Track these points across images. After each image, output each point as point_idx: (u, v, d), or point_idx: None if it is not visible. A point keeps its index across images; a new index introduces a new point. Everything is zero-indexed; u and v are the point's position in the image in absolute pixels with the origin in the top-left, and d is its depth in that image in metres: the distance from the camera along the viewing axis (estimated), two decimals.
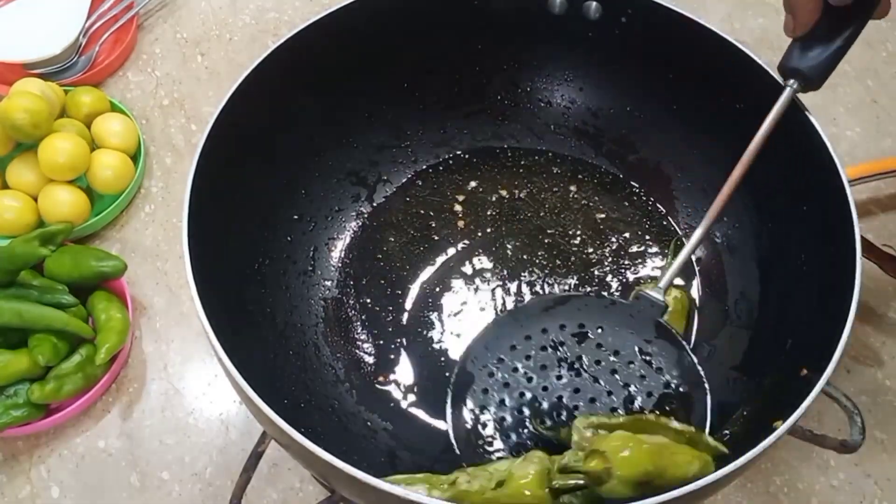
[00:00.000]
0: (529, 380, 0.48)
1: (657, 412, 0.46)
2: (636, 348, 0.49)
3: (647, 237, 0.60)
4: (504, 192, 0.62)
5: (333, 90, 0.58)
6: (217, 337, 0.39)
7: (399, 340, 0.55)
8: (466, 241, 0.60)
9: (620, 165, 0.63)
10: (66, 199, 0.64)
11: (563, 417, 0.47)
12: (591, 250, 0.59)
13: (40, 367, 0.55)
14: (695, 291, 0.57)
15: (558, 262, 0.59)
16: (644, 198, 0.62)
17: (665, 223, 0.61)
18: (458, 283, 0.58)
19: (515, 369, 0.49)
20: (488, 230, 0.60)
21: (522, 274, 0.58)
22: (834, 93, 0.76)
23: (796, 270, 0.49)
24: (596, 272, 0.58)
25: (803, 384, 0.39)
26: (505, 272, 0.58)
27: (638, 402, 0.47)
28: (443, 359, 0.54)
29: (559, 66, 0.63)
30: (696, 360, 0.48)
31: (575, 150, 0.64)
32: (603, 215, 0.61)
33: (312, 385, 0.51)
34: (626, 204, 0.62)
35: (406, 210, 0.61)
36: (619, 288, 0.57)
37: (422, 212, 0.61)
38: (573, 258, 0.59)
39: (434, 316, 0.56)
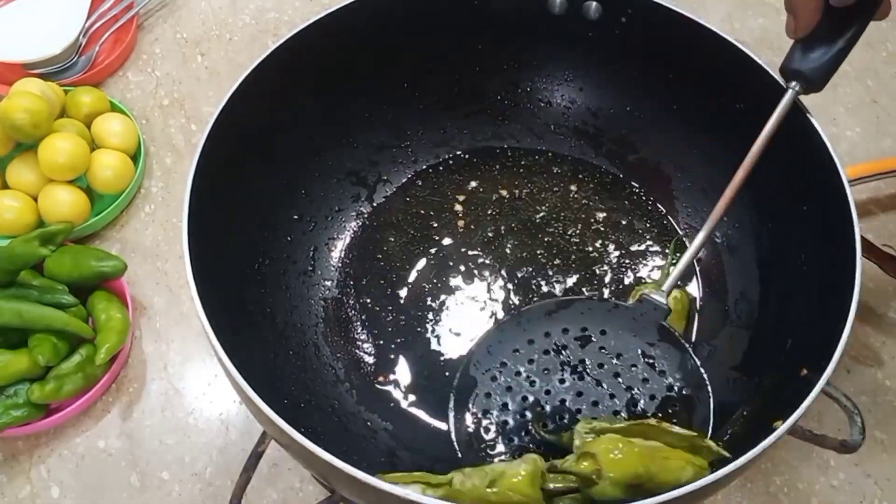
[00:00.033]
0: (532, 383, 0.48)
1: (660, 416, 0.46)
2: (639, 351, 0.49)
3: (648, 237, 0.60)
4: (504, 192, 0.62)
5: (333, 90, 0.58)
6: (217, 337, 0.39)
7: (399, 340, 0.55)
8: (466, 241, 0.60)
9: (620, 165, 0.63)
10: (66, 199, 0.64)
11: (566, 421, 0.47)
12: (591, 249, 0.59)
13: (40, 367, 0.55)
14: (695, 291, 0.57)
15: (559, 260, 0.59)
16: (644, 198, 0.62)
17: (665, 223, 0.61)
18: (458, 283, 0.58)
19: (518, 373, 0.49)
20: (488, 230, 0.60)
21: (522, 273, 0.58)
22: (834, 93, 0.76)
23: (796, 270, 0.49)
24: (596, 271, 0.58)
25: (803, 384, 0.39)
26: (505, 271, 0.58)
27: (641, 406, 0.47)
28: (443, 358, 0.54)
29: (559, 66, 0.63)
30: (698, 362, 0.48)
31: (575, 150, 0.64)
32: (603, 214, 0.61)
33: (312, 385, 0.51)
34: (627, 204, 0.62)
35: (406, 210, 0.61)
36: (620, 287, 0.57)
37: (422, 212, 0.61)
38: (573, 257, 0.59)
39: (434, 316, 0.56)
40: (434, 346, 0.55)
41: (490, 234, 0.60)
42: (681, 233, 0.60)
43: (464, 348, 0.54)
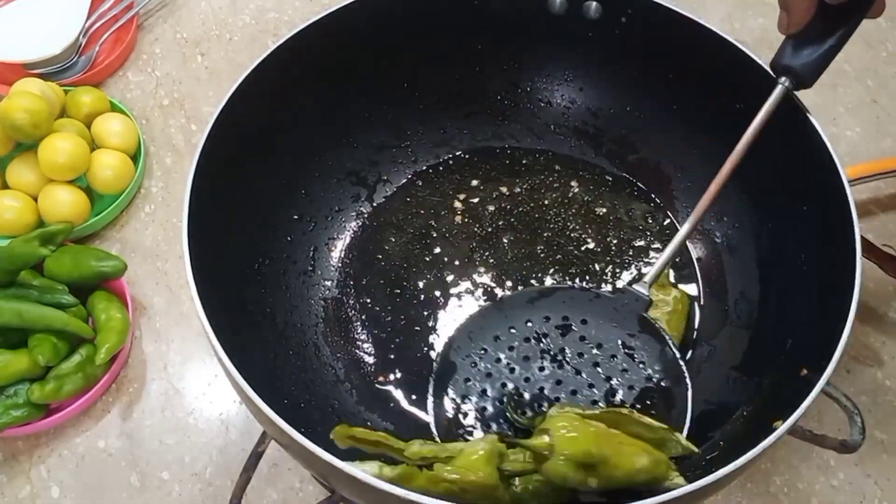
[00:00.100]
0: (512, 370, 0.48)
1: (637, 406, 0.47)
2: (619, 342, 0.49)
3: (648, 235, 0.60)
4: (504, 189, 0.63)
5: (333, 90, 0.58)
6: (217, 337, 0.39)
7: (399, 340, 0.55)
8: (466, 240, 0.60)
9: (620, 165, 0.63)
10: (66, 199, 0.64)
11: (545, 409, 0.47)
12: (591, 247, 0.59)
13: (40, 367, 0.55)
14: (695, 291, 0.57)
15: (559, 256, 0.59)
16: (644, 198, 0.62)
17: (665, 223, 0.61)
18: (458, 282, 0.58)
19: (498, 360, 0.49)
20: (488, 228, 0.60)
21: (523, 270, 0.58)
22: (834, 93, 0.76)
23: (796, 270, 0.49)
24: (596, 270, 0.58)
25: (803, 384, 0.39)
26: (505, 269, 0.58)
27: (619, 396, 0.47)
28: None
29: (559, 66, 0.63)
30: (678, 354, 0.48)
31: (575, 150, 0.64)
32: (603, 212, 0.61)
33: (312, 385, 0.51)
34: (627, 203, 0.62)
35: (406, 210, 0.61)
36: (620, 286, 0.57)
37: (422, 212, 0.61)
38: (573, 255, 0.59)
39: (434, 315, 0.56)
40: (434, 345, 0.55)
41: (490, 232, 0.60)
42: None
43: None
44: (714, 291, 0.56)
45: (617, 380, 0.48)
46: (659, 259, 0.50)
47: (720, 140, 0.49)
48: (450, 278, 0.58)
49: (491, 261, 0.59)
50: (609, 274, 0.58)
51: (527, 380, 0.48)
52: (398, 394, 0.53)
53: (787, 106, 0.47)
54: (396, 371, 0.54)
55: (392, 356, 0.54)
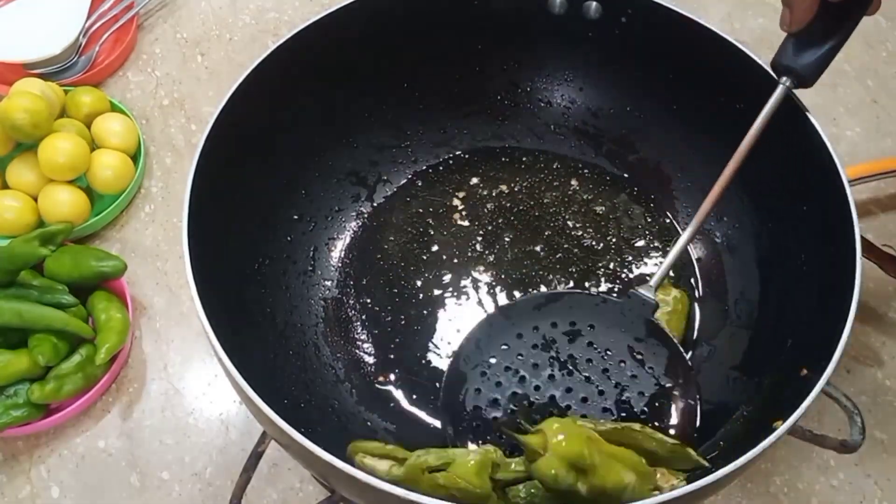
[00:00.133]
0: (522, 379, 0.48)
1: (647, 410, 0.47)
2: (627, 347, 0.49)
3: (648, 235, 0.60)
4: (504, 188, 0.63)
5: (333, 90, 0.58)
6: (217, 337, 0.39)
7: (399, 340, 0.55)
8: (466, 239, 0.60)
9: (620, 165, 0.63)
10: (66, 199, 0.64)
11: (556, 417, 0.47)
12: (591, 246, 0.59)
13: (40, 367, 0.55)
14: (695, 291, 0.57)
15: (559, 255, 0.59)
16: (644, 197, 0.62)
17: (666, 223, 0.61)
18: (458, 281, 0.58)
19: (507, 368, 0.49)
20: (488, 227, 0.60)
21: (523, 269, 0.58)
22: (834, 93, 0.76)
23: (796, 270, 0.49)
24: (596, 269, 0.58)
25: (803, 384, 0.39)
26: (505, 268, 0.58)
27: (630, 402, 0.47)
28: (444, 358, 0.54)
29: (559, 66, 0.63)
30: (687, 358, 0.48)
31: (575, 151, 0.64)
32: (603, 211, 0.61)
33: (312, 385, 0.51)
34: (627, 203, 0.62)
35: (406, 210, 0.61)
36: (620, 285, 0.57)
37: (422, 212, 0.61)
38: (573, 254, 0.59)
39: (434, 314, 0.56)
40: (434, 344, 0.55)
41: (490, 232, 0.60)
42: (681, 232, 0.60)
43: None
44: (714, 291, 0.56)
45: (627, 386, 0.48)
46: (664, 262, 0.49)
47: (720, 140, 0.49)
48: (450, 278, 0.58)
49: (491, 259, 0.59)
50: (609, 273, 0.58)
51: (537, 388, 0.48)
52: (398, 394, 0.53)
53: (787, 106, 0.47)
54: (396, 371, 0.54)
55: (392, 356, 0.54)
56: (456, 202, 0.62)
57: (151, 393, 0.60)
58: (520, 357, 0.49)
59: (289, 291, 0.55)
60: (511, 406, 0.47)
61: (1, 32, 0.77)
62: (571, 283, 0.57)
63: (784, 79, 0.47)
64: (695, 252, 0.59)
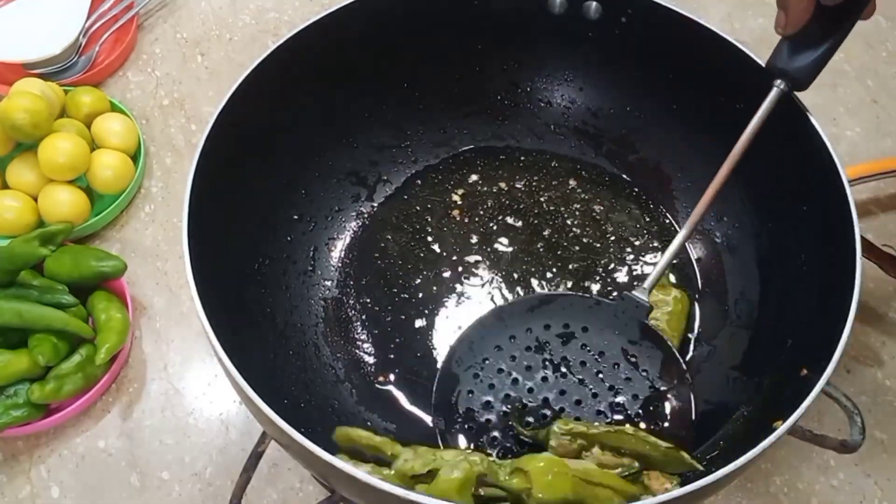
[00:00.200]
0: (515, 381, 0.48)
1: (641, 413, 0.47)
2: (621, 349, 0.49)
3: (648, 235, 0.60)
4: (503, 185, 0.63)
5: (333, 90, 0.58)
6: (217, 337, 0.39)
7: (399, 340, 0.55)
8: (466, 238, 0.60)
9: (620, 165, 0.63)
10: (66, 199, 0.64)
11: (549, 419, 0.47)
12: (590, 246, 0.59)
13: (40, 367, 0.55)
14: (695, 292, 0.57)
15: (559, 252, 0.59)
16: (644, 197, 0.62)
17: (665, 222, 0.61)
18: (458, 281, 0.58)
19: (500, 370, 0.49)
20: (488, 226, 0.60)
21: (522, 268, 0.58)
22: (834, 93, 0.76)
23: (796, 270, 0.49)
24: (595, 268, 0.58)
25: (803, 384, 0.39)
26: (505, 267, 0.58)
27: (624, 405, 0.47)
28: (444, 357, 0.54)
29: (559, 66, 0.63)
30: (682, 361, 0.48)
31: (575, 150, 0.64)
32: (603, 211, 0.61)
33: (312, 385, 0.51)
34: (626, 202, 0.62)
35: (406, 210, 0.61)
36: (619, 285, 0.57)
37: (421, 212, 0.61)
38: (573, 253, 0.59)
39: (434, 314, 0.56)
40: (435, 344, 0.55)
41: (490, 230, 0.60)
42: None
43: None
44: (714, 291, 0.56)
45: (621, 389, 0.48)
46: (658, 263, 0.49)
47: (720, 140, 0.49)
48: (449, 276, 0.58)
49: (491, 258, 0.59)
50: (609, 273, 0.58)
51: (530, 390, 0.48)
52: (398, 394, 0.53)
53: (787, 106, 0.47)
54: (396, 371, 0.54)
55: (392, 356, 0.54)
56: (455, 198, 0.62)
57: (151, 393, 0.60)
58: (513, 359, 0.49)
59: (289, 291, 0.55)
60: (504, 408, 0.47)
61: (1, 32, 0.77)
62: (571, 282, 0.58)
63: (779, 81, 0.47)
64: (695, 252, 0.59)
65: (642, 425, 0.46)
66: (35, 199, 0.65)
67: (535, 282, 0.58)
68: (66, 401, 0.57)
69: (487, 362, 0.49)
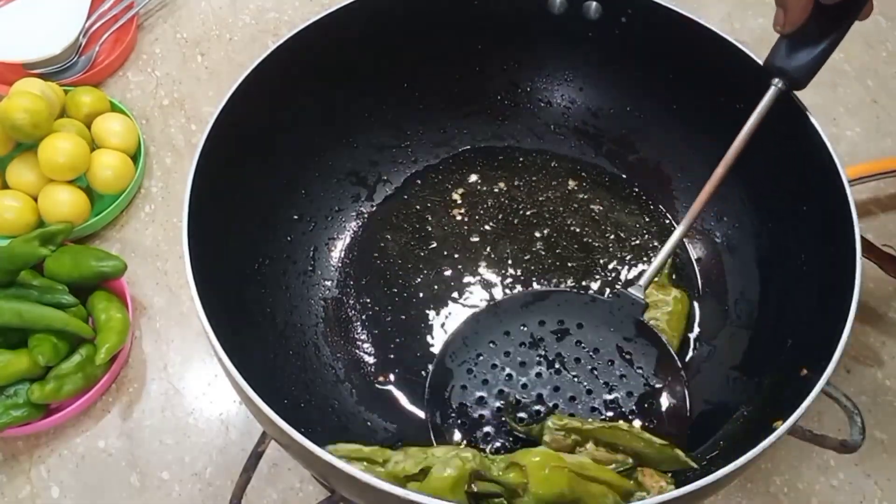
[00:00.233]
0: (509, 377, 0.48)
1: (635, 410, 0.47)
2: (616, 346, 0.49)
3: (647, 235, 0.60)
4: (503, 185, 0.63)
5: (333, 90, 0.58)
6: (217, 337, 0.39)
7: (399, 340, 0.55)
8: (466, 237, 0.60)
9: (620, 165, 0.63)
10: (66, 199, 0.64)
11: (543, 416, 0.47)
12: (589, 245, 0.59)
13: (40, 367, 0.55)
14: (695, 291, 0.57)
15: (559, 251, 0.59)
16: (644, 197, 0.62)
17: (665, 222, 0.61)
18: (458, 281, 0.58)
19: (494, 366, 0.49)
20: (488, 225, 0.60)
21: (522, 268, 0.58)
22: (834, 93, 0.76)
23: (796, 270, 0.49)
24: (595, 268, 0.58)
25: (803, 384, 0.39)
26: (504, 266, 0.58)
27: (618, 402, 0.47)
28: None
29: (559, 66, 0.63)
30: (676, 358, 0.48)
31: (575, 150, 0.64)
32: (603, 211, 0.61)
33: (312, 385, 0.51)
34: (626, 203, 0.62)
35: (406, 210, 0.62)
36: (618, 284, 0.57)
37: (421, 211, 0.61)
38: (573, 252, 0.59)
39: (434, 314, 0.56)
40: (434, 345, 0.55)
41: (489, 231, 0.60)
42: None
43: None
44: (714, 291, 0.56)
45: (616, 385, 0.48)
46: (653, 262, 0.50)
47: (720, 140, 0.49)
48: (449, 276, 0.58)
49: (491, 257, 0.59)
50: (609, 272, 0.58)
51: (524, 386, 0.48)
52: (398, 394, 0.53)
53: (787, 106, 0.47)
54: (396, 371, 0.54)
55: (392, 356, 0.54)
56: (456, 203, 0.62)
57: (151, 393, 0.60)
58: (507, 355, 0.49)
59: (289, 291, 0.55)
60: (497, 404, 0.47)
61: (1, 32, 0.77)
62: (570, 281, 0.58)
63: (776, 80, 0.47)
64: (695, 252, 0.59)
65: (637, 422, 0.46)
66: (35, 199, 0.65)
67: (535, 281, 0.58)
68: (66, 401, 0.57)
69: (481, 357, 0.49)
